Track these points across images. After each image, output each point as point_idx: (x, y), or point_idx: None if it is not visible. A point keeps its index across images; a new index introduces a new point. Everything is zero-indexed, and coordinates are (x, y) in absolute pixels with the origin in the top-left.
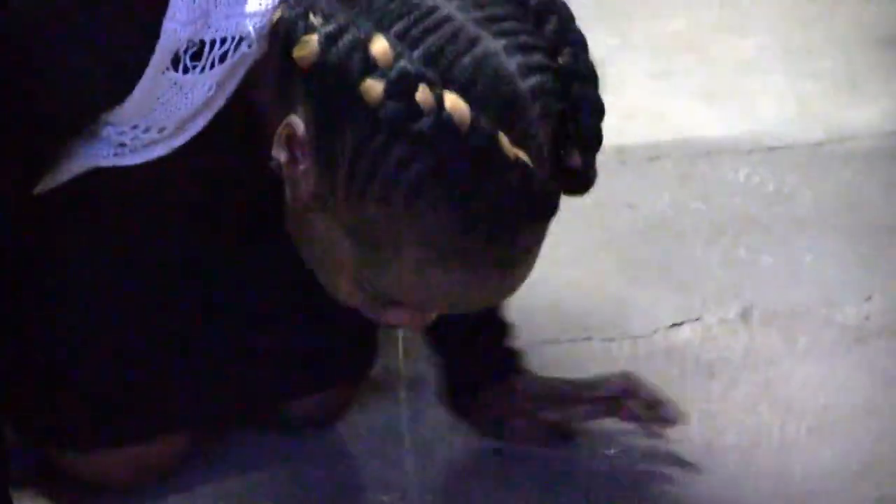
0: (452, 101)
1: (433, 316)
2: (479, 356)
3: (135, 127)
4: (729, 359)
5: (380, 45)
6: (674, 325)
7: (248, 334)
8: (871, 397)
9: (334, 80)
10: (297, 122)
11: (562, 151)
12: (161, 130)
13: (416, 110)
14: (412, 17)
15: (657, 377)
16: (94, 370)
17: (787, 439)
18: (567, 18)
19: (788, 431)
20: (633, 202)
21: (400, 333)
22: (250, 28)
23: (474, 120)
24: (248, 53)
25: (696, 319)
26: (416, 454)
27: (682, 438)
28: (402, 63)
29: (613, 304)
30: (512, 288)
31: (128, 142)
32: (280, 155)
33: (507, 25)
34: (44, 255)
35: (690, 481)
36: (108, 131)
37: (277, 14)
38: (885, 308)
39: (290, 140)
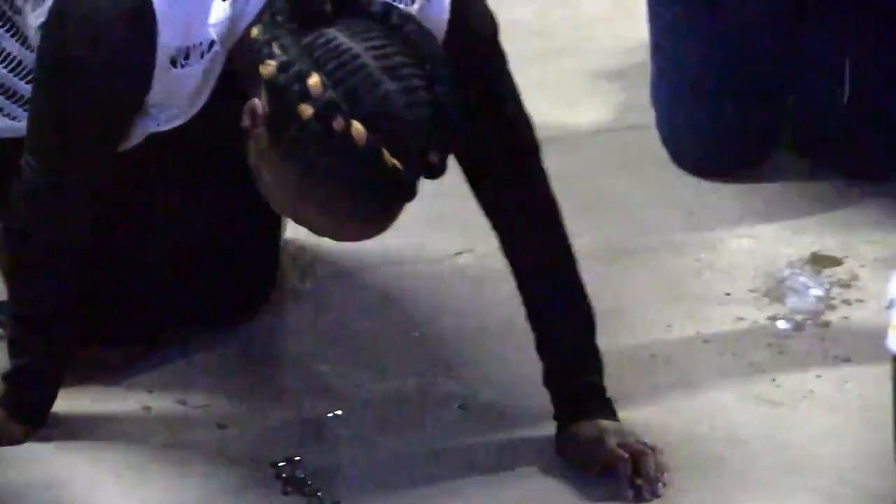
0: (356, 127)
1: None
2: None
3: (165, 106)
4: (493, 276)
5: (314, 80)
6: (457, 253)
7: (192, 271)
8: None
9: (282, 95)
10: (258, 104)
11: (427, 153)
12: (179, 107)
13: (331, 131)
14: (340, 60)
15: (449, 288)
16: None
17: (521, 325)
18: (442, 60)
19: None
20: None
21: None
22: (214, 36)
23: (368, 140)
24: (219, 51)
25: (471, 250)
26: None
27: (460, 327)
28: (327, 96)
29: (415, 240)
30: (374, 235)
31: (163, 116)
32: (245, 121)
33: (401, 71)
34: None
35: (462, 348)
36: (152, 111)
37: (254, 32)
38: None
39: (253, 114)
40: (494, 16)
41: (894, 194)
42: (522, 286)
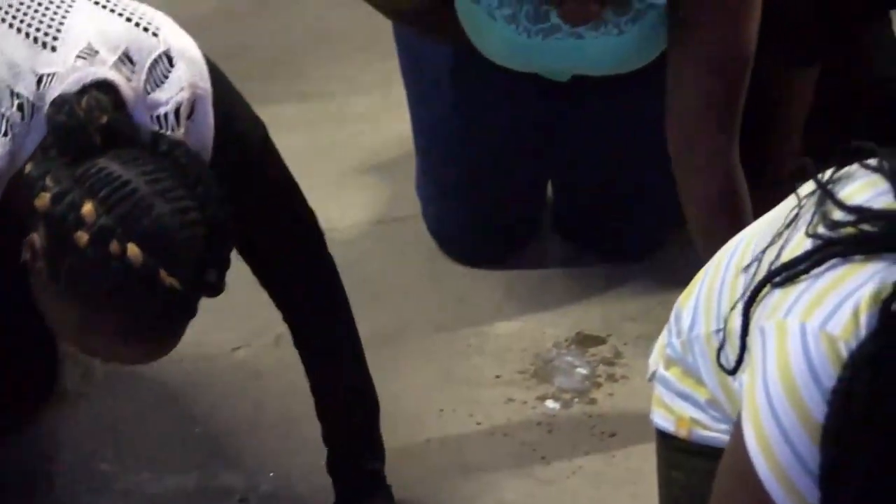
0: (132, 249)
1: None
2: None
3: None
4: (269, 370)
5: (88, 208)
6: (234, 349)
7: None
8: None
9: (57, 225)
10: (36, 238)
11: (204, 272)
12: None
13: (108, 255)
14: (112, 186)
15: (227, 383)
16: None
17: (298, 416)
18: (211, 181)
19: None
20: None
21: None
22: None
23: (145, 261)
24: None
25: (248, 345)
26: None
27: (239, 421)
28: (102, 222)
29: (192, 337)
30: (162, 355)
31: None
32: (26, 255)
33: (173, 194)
34: None
35: (241, 442)
36: None
37: (28, 168)
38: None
39: (32, 248)
40: (259, 119)
41: (650, 274)
42: (312, 376)
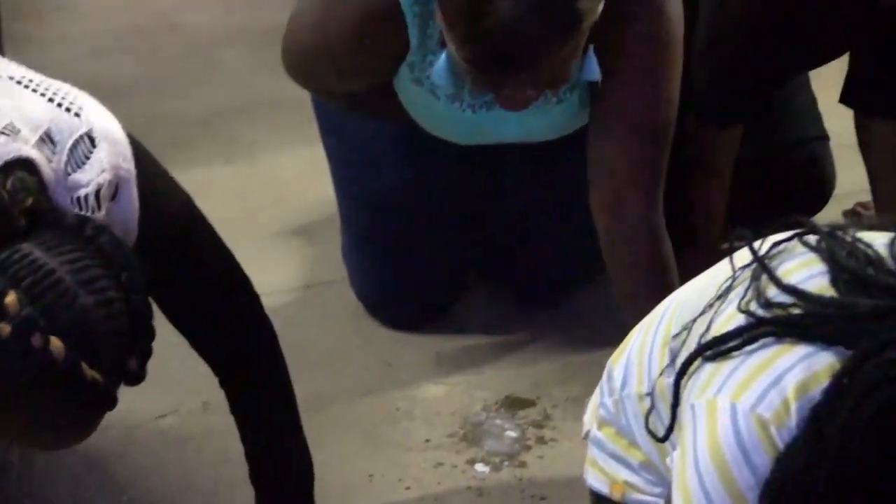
0: (55, 342)
1: None
2: None
3: None
4: (197, 437)
5: (11, 298)
6: (161, 416)
7: None
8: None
9: None
10: None
11: (126, 361)
12: None
13: (30, 348)
14: (36, 276)
15: (155, 450)
16: None
17: (226, 482)
18: (135, 267)
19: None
20: None
21: None
22: None
23: (67, 355)
24: None
25: (175, 411)
26: None
27: (167, 489)
28: (24, 313)
29: (119, 404)
30: (77, 443)
31: None
32: None
33: (97, 284)
34: None
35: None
36: None
37: None
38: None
39: None
40: (184, 191)
41: (578, 336)
42: (247, 442)
